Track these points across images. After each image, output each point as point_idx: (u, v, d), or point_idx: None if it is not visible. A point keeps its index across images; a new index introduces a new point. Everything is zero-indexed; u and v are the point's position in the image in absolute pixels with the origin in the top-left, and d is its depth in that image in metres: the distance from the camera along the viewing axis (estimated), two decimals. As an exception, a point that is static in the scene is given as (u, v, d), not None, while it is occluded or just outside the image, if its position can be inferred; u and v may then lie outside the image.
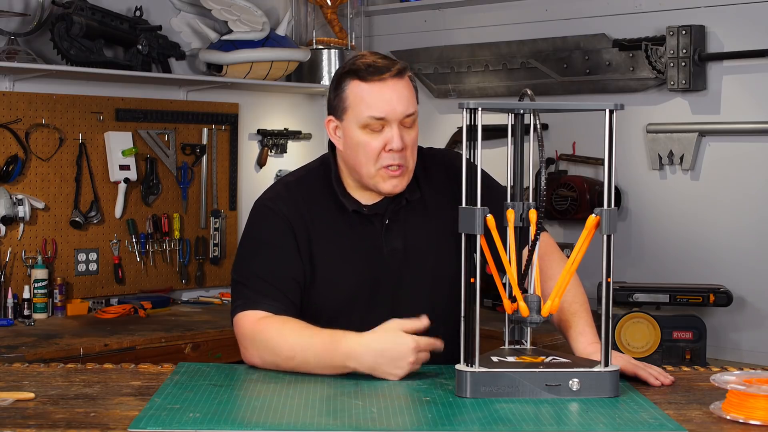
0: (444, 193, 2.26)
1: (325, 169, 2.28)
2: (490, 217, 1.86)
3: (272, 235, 2.21)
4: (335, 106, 2.21)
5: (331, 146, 2.28)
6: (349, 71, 2.17)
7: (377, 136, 2.16)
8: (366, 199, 2.25)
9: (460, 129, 1.97)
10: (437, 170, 2.31)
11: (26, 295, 3.69)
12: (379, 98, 2.14)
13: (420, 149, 2.35)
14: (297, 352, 2.05)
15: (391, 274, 2.23)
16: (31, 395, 1.86)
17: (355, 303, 2.22)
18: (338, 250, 2.22)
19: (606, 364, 1.89)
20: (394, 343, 1.99)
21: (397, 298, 2.23)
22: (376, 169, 2.18)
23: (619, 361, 1.98)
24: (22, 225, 3.77)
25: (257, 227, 2.25)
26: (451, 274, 2.15)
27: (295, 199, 2.24)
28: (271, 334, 2.09)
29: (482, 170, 1.91)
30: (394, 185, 2.19)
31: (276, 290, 2.17)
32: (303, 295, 2.21)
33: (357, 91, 2.15)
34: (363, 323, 2.19)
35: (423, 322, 2.02)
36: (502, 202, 2.02)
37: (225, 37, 4.20)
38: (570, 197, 3.97)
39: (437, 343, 2.01)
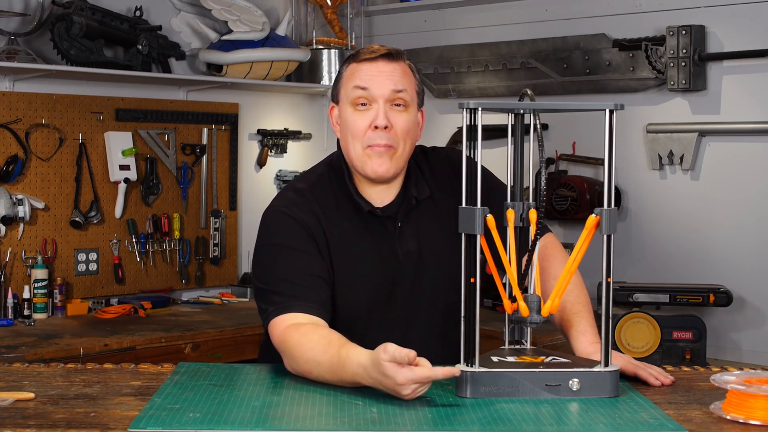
0: (452, 193, 2.24)
1: (336, 173, 2.25)
2: (490, 217, 1.86)
3: (292, 239, 2.15)
4: (335, 91, 2.25)
5: (340, 147, 2.26)
6: (348, 57, 2.25)
7: (364, 114, 2.16)
8: (377, 200, 2.22)
9: (460, 129, 1.97)
10: (443, 169, 2.30)
11: (26, 295, 3.69)
12: (366, 72, 2.18)
13: (425, 149, 2.35)
14: (312, 368, 1.99)
15: (406, 277, 2.21)
16: (31, 395, 1.85)
17: (374, 307, 2.20)
18: (356, 256, 2.19)
19: (606, 364, 1.88)
20: (383, 380, 1.81)
21: (412, 302, 2.21)
22: (362, 149, 2.16)
23: (619, 361, 1.98)
24: (22, 225, 3.77)
25: (274, 233, 2.18)
26: None
27: (310, 205, 2.19)
28: (293, 345, 2.03)
29: (486, 169, 1.90)
30: (379, 164, 2.16)
31: (305, 289, 2.10)
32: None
33: (350, 70, 2.21)
34: (380, 327, 2.18)
35: (410, 354, 1.80)
36: (505, 201, 2.02)
37: (225, 37, 4.20)
38: (570, 197, 3.97)
39: (436, 373, 1.80)
